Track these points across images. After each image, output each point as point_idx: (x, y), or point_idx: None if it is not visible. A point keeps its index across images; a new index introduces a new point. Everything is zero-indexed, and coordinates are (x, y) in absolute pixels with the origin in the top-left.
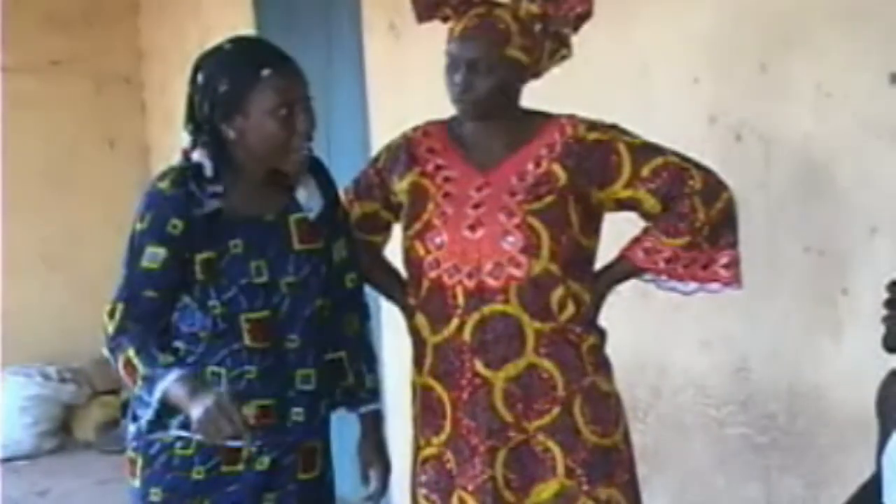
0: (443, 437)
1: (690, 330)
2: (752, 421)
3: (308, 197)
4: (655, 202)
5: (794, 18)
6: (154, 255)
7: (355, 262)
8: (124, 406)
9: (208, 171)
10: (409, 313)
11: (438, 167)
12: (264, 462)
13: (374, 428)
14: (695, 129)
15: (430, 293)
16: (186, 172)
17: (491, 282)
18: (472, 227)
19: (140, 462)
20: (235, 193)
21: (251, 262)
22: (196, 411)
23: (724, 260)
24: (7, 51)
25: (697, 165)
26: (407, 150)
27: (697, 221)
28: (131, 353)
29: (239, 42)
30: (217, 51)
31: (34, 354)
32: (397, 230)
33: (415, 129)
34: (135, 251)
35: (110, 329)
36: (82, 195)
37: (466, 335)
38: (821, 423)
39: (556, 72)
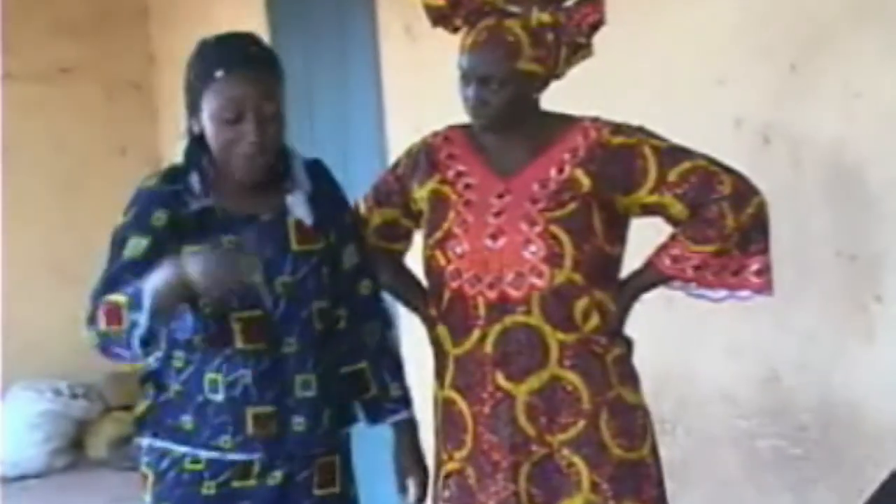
0: (464, 451)
1: (717, 338)
2: (784, 432)
3: (296, 207)
4: (683, 208)
5: (822, 17)
6: (137, 244)
7: (369, 269)
8: (137, 422)
9: (183, 160)
10: (430, 324)
11: (459, 174)
12: (277, 477)
13: (407, 436)
14: (721, 132)
15: (452, 304)
16: (175, 172)
17: (512, 292)
18: (494, 236)
19: (151, 477)
20: (228, 192)
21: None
22: (192, 267)
23: (755, 266)
24: (16, 58)
25: (727, 169)
26: (427, 156)
27: (726, 227)
28: (112, 296)
29: (221, 37)
30: (202, 43)
31: (45, 369)
32: (418, 238)
33: (435, 135)
34: (117, 244)
35: (91, 307)
36: (94, 205)
37: (488, 347)
38: (855, 434)
39: (574, 73)
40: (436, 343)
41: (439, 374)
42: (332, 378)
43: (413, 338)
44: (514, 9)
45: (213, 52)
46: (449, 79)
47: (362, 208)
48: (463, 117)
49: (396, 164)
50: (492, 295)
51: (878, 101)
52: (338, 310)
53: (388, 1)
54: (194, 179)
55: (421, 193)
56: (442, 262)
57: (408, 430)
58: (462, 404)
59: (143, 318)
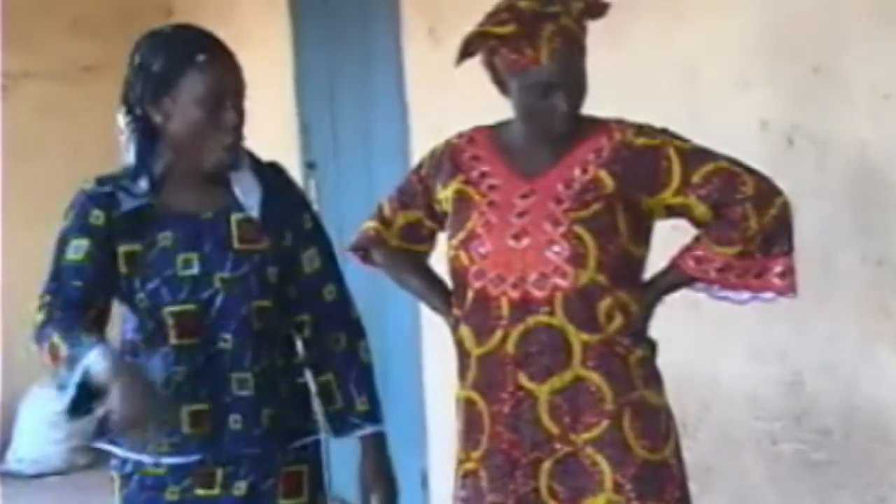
0: (479, 452)
1: (741, 341)
2: (807, 436)
3: (244, 196)
4: (706, 209)
5: (847, 18)
6: (78, 247)
7: (333, 275)
8: (96, 429)
9: (131, 157)
10: (453, 325)
11: (483, 175)
12: (241, 488)
13: (373, 451)
14: (745, 134)
15: (475, 304)
16: (115, 175)
17: (536, 292)
18: (517, 237)
19: (118, 481)
20: (169, 190)
21: (179, 254)
22: (112, 397)
23: (778, 268)
24: (37, 56)
25: (750, 171)
26: (451, 158)
27: (750, 229)
28: (56, 338)
29: (180, 27)
30: (157, 32)
31: None
32: (443, 239)
33: (459, 136)
34: (60, 247)
35: (38, 319)
36: None
37: (510, 347)
38: (879, 439)
39: (599, 75)
40: (459, 344)
41: (461, 374)
42: (276, 379)
43: (438, 338)
44: (553, 8)
45: (185, 38)
46: (472, 80)
47: (386, 210)
48: (485, 119)
49: (420, 166)
50: (515, 295)
51: None
52: (299, 315)
53: (411, 2)
54: (142, 178)
55: (445, 194)
56: (465, 262)
57: (374, 444)
58: (481, 404)
59: (70, 385)
